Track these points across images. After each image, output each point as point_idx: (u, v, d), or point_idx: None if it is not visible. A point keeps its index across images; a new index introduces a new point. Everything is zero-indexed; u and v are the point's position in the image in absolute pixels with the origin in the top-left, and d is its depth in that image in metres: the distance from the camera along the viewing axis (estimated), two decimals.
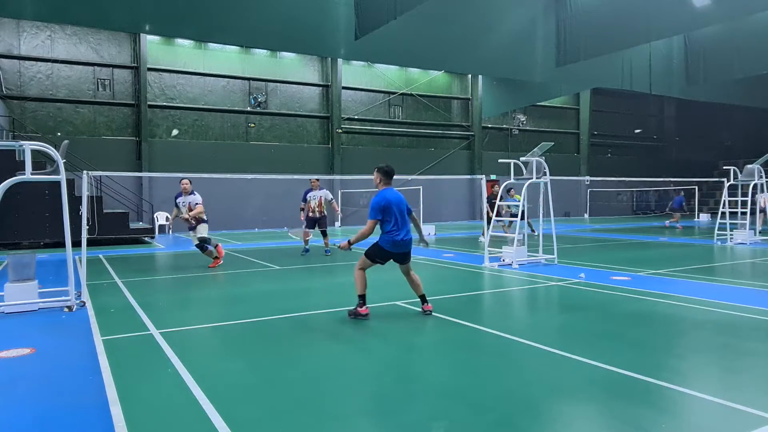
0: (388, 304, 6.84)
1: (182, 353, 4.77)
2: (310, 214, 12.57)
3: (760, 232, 15.47)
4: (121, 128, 21.91)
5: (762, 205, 16.24)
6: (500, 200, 12.07)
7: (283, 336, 5.58)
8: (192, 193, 10.77)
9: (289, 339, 5.46)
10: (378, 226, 6.11)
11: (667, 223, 22.61)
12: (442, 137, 29.07)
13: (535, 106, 30.98)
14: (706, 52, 20.72)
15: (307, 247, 12.88)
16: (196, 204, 10.64)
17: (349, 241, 6.10)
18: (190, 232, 10.92)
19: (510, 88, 24.94)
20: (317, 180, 12.77)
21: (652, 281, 8.51)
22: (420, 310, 6.31)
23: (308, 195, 12.60)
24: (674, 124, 38.79)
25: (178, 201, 10.87)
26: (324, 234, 12.74)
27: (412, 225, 6.38)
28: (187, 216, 10.56)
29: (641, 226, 22.61)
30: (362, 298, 6.10)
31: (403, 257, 6.25)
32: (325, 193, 12.66)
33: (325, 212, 12.67)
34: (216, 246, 10.98)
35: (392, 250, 6.12)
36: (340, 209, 13.33)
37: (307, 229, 12.67)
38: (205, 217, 10.73)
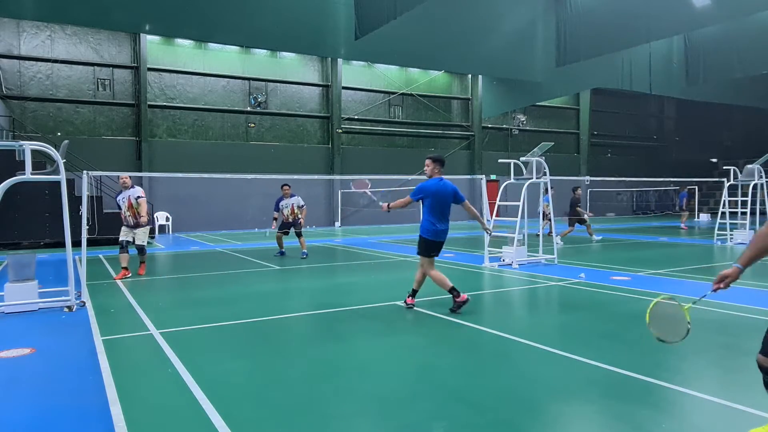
0: (389, 304, 6.84)
1: (182, 353, 4.77)
2: (284, 220, 12.56)
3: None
4: (121, 128, 21.92)
5: None
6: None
7: (283, 336, 5.58)
8: (132, 187, 9.72)
9: (289, 339, 5.46)
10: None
11: (683, 224, 21.24)
12: (442, 137, 29.07)
13: (535, 106, 30.98)
14: (706, 52, 20.72)
15: (282, 249, 12.83)
16: (138, 198, 9.52)
17: (388, 205, 6.63)
18: (131, 230, 9.60)
19: (510, 88, 24.94)
20: (289, 187, 12.54)
21: (652, 281, 8.51)
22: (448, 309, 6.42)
23: (281, 203, 12.48)
24: (674, 124, 38.79)
25: (117, 199, 9.81)
26: (299, 235, 12.59)
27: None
28: (129, 214, 9.56)
29: (641, 226, 22.60)
30: (453, 290, 6.35)
31: (439, 248, 6.51)
32: (297, 200, 12.50)
33: (299, 216, 12.52)
34: (143, 262, 10.06)
35: (434, 239, 6.41)
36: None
37: (280, 233, 12.70)
38: (146, 219, 9.67)
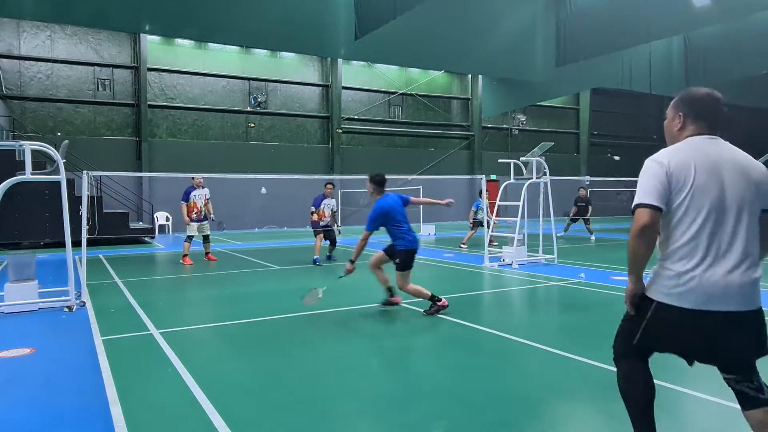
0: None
1: (182, 353, 4.77)
2: (322, 222, 11.61)
3: None
4: (121, 128, 21.92)
5: None
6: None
7: (283, 336, 5.58)
8: (204, 186, 11.60)
9: (289, 339, 5.46)
10: (389, 234, 6.38)
11: None
12: (442, 137, 29.07)
13: (535, 106, 30.98)
14: (706, 52, 20.71)
15: (317, 256, 11.69)
16: (209, 197, 11.41)
17: (351, 261, 6.35)
18: (200, 224, 11.55)
19: (510, 88, 24.94)
20: (333, 186, 11.77)
21: None
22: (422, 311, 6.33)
23: (323, 203, 11.60)
24: None
25: (194, 194, 11.55)
26: (333, 242, 11.89)
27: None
28: (206, 210, 11.66)
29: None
30: (433, 297, 6.30)
31: (414, 257, 6.46)
32: (333, 204, 11.91)
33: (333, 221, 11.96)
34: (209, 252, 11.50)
35: (412, 247, 6.35)
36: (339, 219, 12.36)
37: (319, 238, 11.66)
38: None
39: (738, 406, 2.56)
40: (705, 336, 2.39)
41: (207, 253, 12.02)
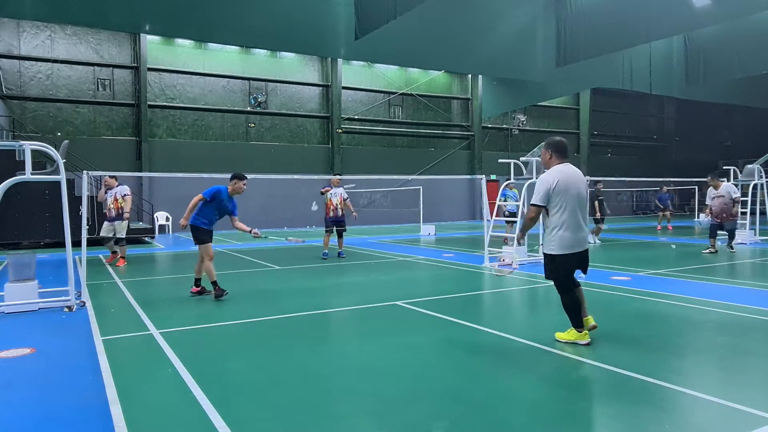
0: (389, 305, 6.84)
1: (182, 353, 4.77)
2: (332, 213, 11.82)
3: None
4: (121, 128, 21.92)
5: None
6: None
7: (283, 336, 5.58)
8: (118, 185, 11.37)
9: (289, 339, 5.46)
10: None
11: (669, 225, 20.24)
12: (442, 137, 29.07)
13: (535, 106, 30.98)
14: (706, 52, 20.69)
15: (326, 251, 12.07)
16: (125, 195, 11.24)
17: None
18: (111, 224, 11.40)
19: (510, 88, 24.94)
20: (340, 178, 12.12)
21: (652, 281, 8.51)
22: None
23: (329, 192, 11.82)
24: (674, 124, 38.79)
25: (105, 195, 11.41)
26: (340, 235, 12.13)
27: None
28: (113, 207, 11.34)
29: (641, 226, 22.60)
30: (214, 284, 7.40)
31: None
32: (342, 191, 11.98)
33: (345, 210, 12.02)
34: (122, 255, 11.47)
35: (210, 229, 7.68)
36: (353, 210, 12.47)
37: (328, 231, 11.90)
38: (128, 215, 11.52)
39: (738, 406, 3.09)
40: (579, 261, 4.91)
41: (114, 253, 11.52)
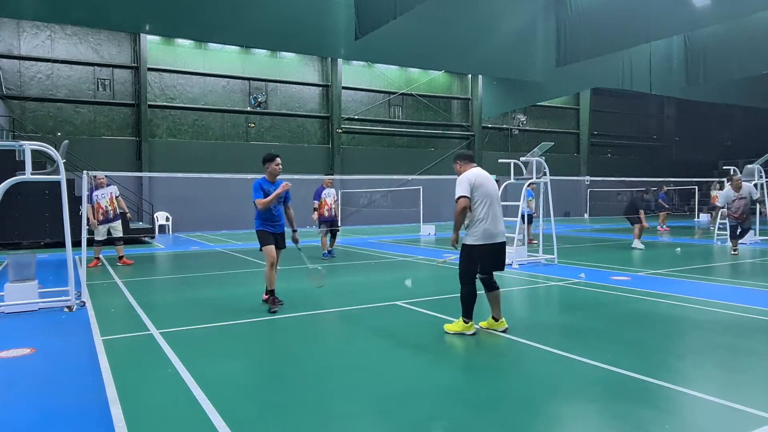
0: (388, 305, 6.84)
1: (182, 353, 4.77)
2: (327, 213, 11.92)
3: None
4: (121, 128, 21.91)
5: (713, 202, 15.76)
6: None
7: (283, 335, 5.58)
8: (109, 185, 11.18)
9: (289, 339, 5.46)
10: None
11: (665, 227, 19.50)
12: (442, 137, 29.07)
13: (535, 106, 30.97)
14: (706, 52, 20.70)
15: (325, 251, 12.12)
16: (118, 196, 11.22)
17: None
18: (108, 224, 11.08)
19: (510, 88, 24.94)
20: (331, 179, 12.28)
21: (652, 281, 8.51)
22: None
23: (323, 193, 12.01)
24: (674, 124, 38.79)
25: (96, 194, 10.83)
26: (334, 235, 12.24)
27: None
28: (111, 208, 11.09)
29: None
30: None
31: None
32: (334, 193, 12.20)
33: (336, 213, 12.18)
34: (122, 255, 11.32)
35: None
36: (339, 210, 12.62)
37: (322, 230, 12.01)
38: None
39: (738, 406, 3.06)
40: (496, 252, 5.32)
41: (120, 257, 11.32)
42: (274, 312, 6.44)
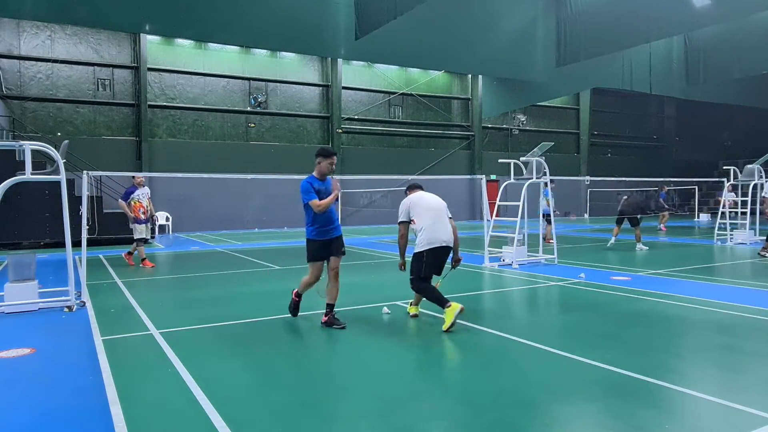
0: (388, 305, 6.83)
1: (182, 353, 4.77)
2: (143, 216, 11.10)
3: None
4: (121, 128, 21.92)
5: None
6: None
7: (283, 336, 5.58)
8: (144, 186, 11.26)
9: (289, 339, 5.46)
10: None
11: (662, 226, 19.36)
12: (442, 137, 29.07)
13: (535, 106, 30.97)
14: (706, 52, 20.71)
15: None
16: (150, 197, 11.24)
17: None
18: (146, 225, 11.17)
19: (510, 88, 24.95)
20: (143, 179, 11.34)
21: (652, 281, 8.51)
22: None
23: (135, 194, 11.01)
24: (674, 124, 38.79)
25: (137, 194, 10.95)
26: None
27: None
28: (150, 208, 11.25)
29: (640, 226, 22.53)
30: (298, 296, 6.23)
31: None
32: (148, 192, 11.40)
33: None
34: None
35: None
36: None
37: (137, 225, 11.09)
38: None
39: (738, 406, 3.01)
40: (441, 254, 5.85)
41: (143, 259, 11.16)
42: (343, 327, 5.72)
